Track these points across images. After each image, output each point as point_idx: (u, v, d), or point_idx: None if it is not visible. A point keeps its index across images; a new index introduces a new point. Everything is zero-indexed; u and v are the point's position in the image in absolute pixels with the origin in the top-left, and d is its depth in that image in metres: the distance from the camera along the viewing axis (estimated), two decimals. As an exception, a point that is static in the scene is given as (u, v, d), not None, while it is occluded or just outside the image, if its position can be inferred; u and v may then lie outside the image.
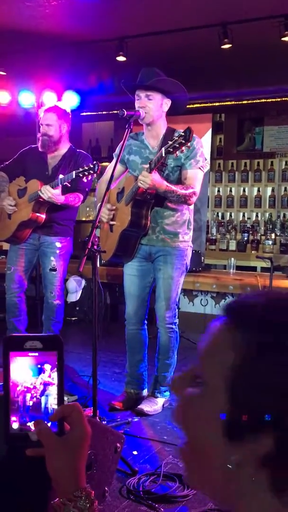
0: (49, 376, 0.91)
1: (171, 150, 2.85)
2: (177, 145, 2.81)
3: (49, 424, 0.90)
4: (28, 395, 0.91)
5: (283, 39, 4.54)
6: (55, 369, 0.91)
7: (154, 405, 3.33)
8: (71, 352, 4.51)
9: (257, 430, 0.63)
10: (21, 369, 0.90)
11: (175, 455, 2.73)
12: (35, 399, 0.91)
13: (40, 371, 0.91)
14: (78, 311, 5.88)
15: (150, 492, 2.36)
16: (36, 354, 0.90)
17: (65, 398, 2.95)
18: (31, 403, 0.91)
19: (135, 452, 2.76)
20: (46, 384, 0.91)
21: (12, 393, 0.90)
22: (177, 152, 2.87)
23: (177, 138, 2.80)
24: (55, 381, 0.91)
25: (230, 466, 0.65)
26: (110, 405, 3.34)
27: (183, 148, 2.83)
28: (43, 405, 0.92)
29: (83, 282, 5.20)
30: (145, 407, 3.29)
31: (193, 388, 0.71)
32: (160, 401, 3.38)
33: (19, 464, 0.98)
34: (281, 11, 4.36)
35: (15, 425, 0.90)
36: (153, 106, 3.13)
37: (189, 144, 2.83)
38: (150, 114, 3.14)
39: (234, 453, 0.65)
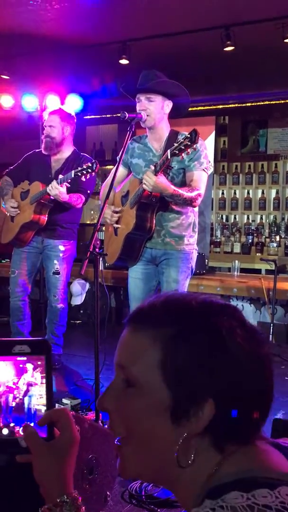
0: (32, 376, 0.91)
1: (177, 152, 2.83)
2: (183, 147, 2.80)
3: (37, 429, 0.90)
4: (11, 396, 0.91)
5: (286, 41, 4.53)
6: (38, 369, 0.91)
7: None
8: (75, 355, 4.50)
9: (199, 405, 0.73)
10: (3, 369, 0.91)
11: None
12: (18, 399, 0.91)
13: (22, 371, 0.91)
14: (82, 314, 5.88)
15: (152, 496, 2.35)
16: (24, 358, 0.91)
17: (68, 402, 2.93)
18: (14, 403, 0.91)
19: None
20: (29, 385, 0.91)
21: None
22: (183, 154, 2.86)
23: (183, 140, 2.79)
24: (38, 381, 0.91)
25: (176, 453, 0.74)
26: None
27: (189, 150, 2.82)
28: (26, 405, 0.92)
29: (87, 285, 5.21)
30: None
31: (129, 392, 0.78)
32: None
33: (10, 471, 0.98)
34: (283, 12, 4.36)
35: (4, 431, 0.90)
36: (154, 108, 3.12)
37: (195, 146, 2.82)
38: (151, 117, 3.13)
39: (182, 433, 0.74)
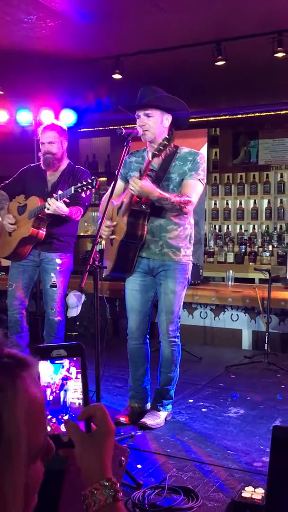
0: (67, 371, 1.00)
1: (156, 153, 3.03)
2: (161, 147, 3.01)
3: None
4: (48, 390, 0.99)
5: (276, 55, 4.63)
6: (72, 363, 1.01)
7: (157, 419, 3.34)
8: (73, 367, 4.52)
9: None
10: (44, 367, 0.99)
11: (178, 468, 2.75)
12: (54, 394, 1.00)
13: (59, 366, 1.00)
14: (79, 326, 5.90)
15: (155, 505, 2.38)
16: (62, 361, 1.00)
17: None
18: (51, 397, 1.00)
19: (139, 466, 2.78)
20: (64, 379, 1.00)
21: None
22: (162, 154, 3.08)
23: (161, 141, 2.96)
24: (73, 375, 1.00)
25: None
26: (115, 419, 3.34)
27: (168, 149, 3.04)
28: (62, 399, 1.00)
29: (83, 297, 5.22)
30: (148, 420, 3.30)
31: None
32: (162, 414, 3.40)
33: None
34: (273, 27, 4.46)
35: (47, 428, 0.97)
36: (152, 123, 3.19)
37: (173, 144, 3.06)
38: (151, 132, 3.20)
39: None
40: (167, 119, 3.24)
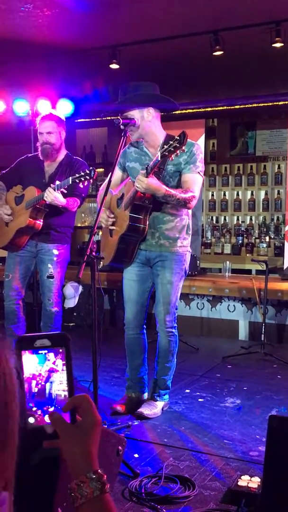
0: (54, 363, 0.99)
1: (166, 153, 2.90)
2: (172, 149, 2.87)
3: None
4: (34, 382, 0.98)
5: (274, 45, 4.61)
6: (59, 356, 0.99)
7: (154, 409, 3.36)
8: (70, 357, 4.53)
9: None
10: (29, 359, 0.98)
11: (175, 457, 2.77)
12: (40, 385, 0.98)
13: (45, 358, 0.99)
14: (76, 316, 5.90)
15: (152, 493, 2.40)
16: (45, 351, 0.98)
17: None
18: (36, 389, 0.98)
19: (136, 455, 2.80)
20: (50, 371, 0.99)
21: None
22: (172, 156, 2.93)
23: (172, 142, 2.86)
24: (59, 367, 0.99)
25: None
26: (112, 409, 3.36)
27: (178, 151, 2.89)
28: (47, 391, 0.99)
29: (80, 288, 5.23)
30: (145, 410, 3.32)
31: None
32: (159, 404, 3.42)
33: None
34: (272, 17, 4.43)
35: (31, 420, 0.97)
36: (135, 123, 3.18)
37: (184, 147, 2.89)
38: (137, 132, 3.21)
39: None
40: (148, 111, 3.20)
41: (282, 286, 5.04)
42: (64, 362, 0.99)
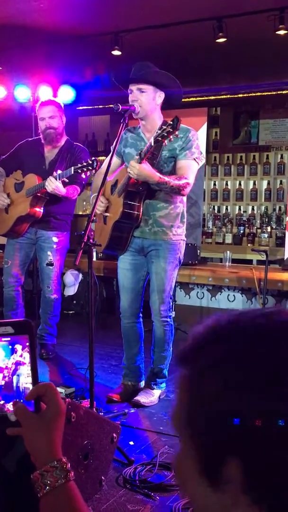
0: (21, 356, 0.97)
1: (160, 138, 2.86)
2: (165, 134, 2.82)
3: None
4: (0, 375, 0.97)
5: (277, 32, 4.55)
6: (26, 348, 0.97)
7: (151, 397, 3.37)
8: (68, 345, 4.54)
9: (224, 463, 0.61)
10: None
11: (170, 445, 2.78)
12: (7, 378, 0.97)
13: (12, 351, 0.97)
14: (75, 304, 5.91)
15: (146, 481, 2.41)
16: (8, 339, 0.96)
17: (62, 390, 3.00)
18: (3, 382, 0.97)
19: (131, 443, 2.81)
20: (17, 364, 0.97)
21: None
22: (166, 141, 2.88)
23: (165, 127, 2.82)
24: (26, 360, 0.97)
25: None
26: (108, 397, 3.37)
27: (171, 136, 2.84)
28: (15, 384, 0.98)
29: (80, 276, 5.24)
30: (142, 398, 3.33)
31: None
32: (156, 392, 3.42)
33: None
34: (275, 5, 4.38)
35: None
36: (145, 99, 3.12)
37: (177, 132, 2.85)
38: (143, 108, 3.13)
39: (219, 493, 0.63)
40: (160, 96, 3.18)
41: (282, 276, 5.02)
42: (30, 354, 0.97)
